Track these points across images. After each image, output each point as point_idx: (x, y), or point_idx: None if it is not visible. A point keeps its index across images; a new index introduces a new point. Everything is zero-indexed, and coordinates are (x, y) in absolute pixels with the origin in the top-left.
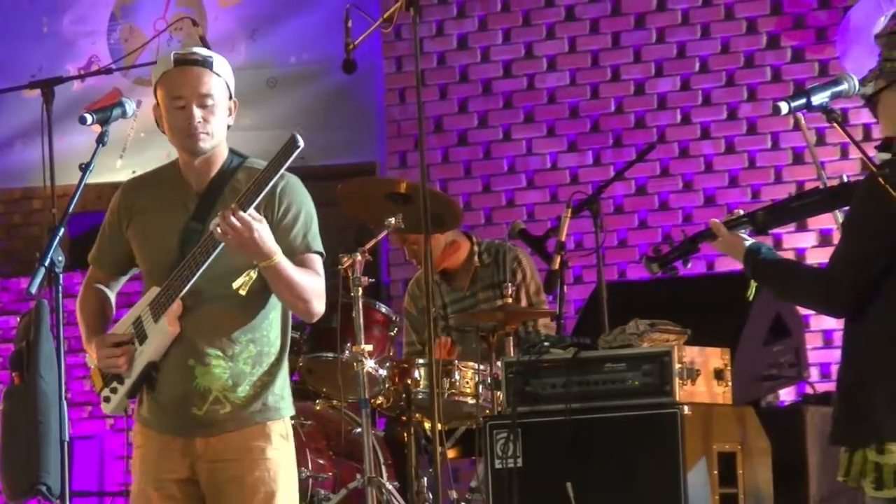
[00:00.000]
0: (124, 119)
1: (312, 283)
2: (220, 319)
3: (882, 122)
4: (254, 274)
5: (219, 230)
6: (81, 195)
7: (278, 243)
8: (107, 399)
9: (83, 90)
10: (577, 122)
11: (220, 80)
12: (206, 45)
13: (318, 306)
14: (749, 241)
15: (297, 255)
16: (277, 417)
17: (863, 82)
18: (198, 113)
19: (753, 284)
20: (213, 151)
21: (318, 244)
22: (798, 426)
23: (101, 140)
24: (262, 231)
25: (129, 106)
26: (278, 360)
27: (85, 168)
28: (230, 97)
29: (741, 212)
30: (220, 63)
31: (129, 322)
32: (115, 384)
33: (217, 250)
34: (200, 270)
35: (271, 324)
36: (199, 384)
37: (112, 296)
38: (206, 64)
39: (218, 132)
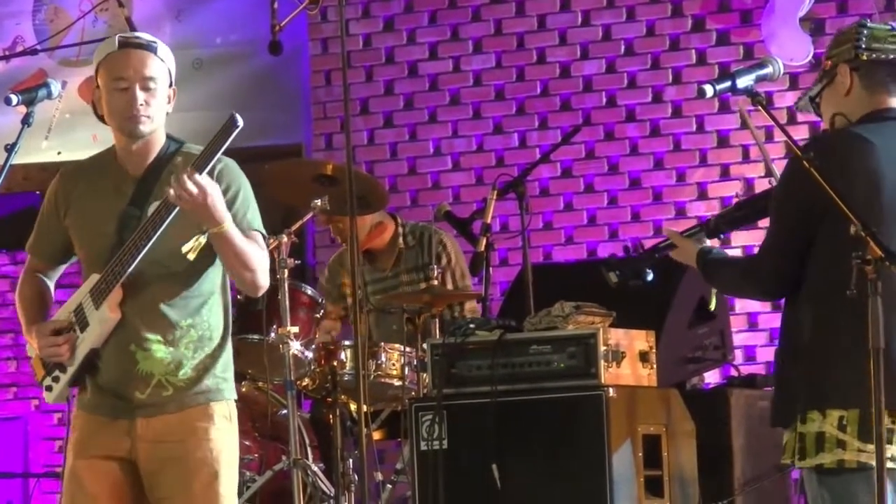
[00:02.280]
0: (50, 100)
1: (259, 255)
2: (161, 305)
3: (822, 118)
4: (203, 239)
5: (173, 193)
6: (7, 176)
7: None
8: (49, 388)
9: (8, 71)
10: (503, 105)
11: (163, 65)
12: (131, 25)
13: (264, 278)
14: (700, 246)
15: None
16: (220, 399)
17: (813, 86)
18: (140, 95)
19: (714, 294)
20: (151, 136)
21: (258, 223)
22: (723, 409)
23: (26, 121)
24: (216, 195)
25: (55, 87)
26: (221, 345)
27: (10, 149)
28: (171, 84)
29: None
30: (164, 50)
31: (69, 309)
32: (56, 373)
33: (157, 233)
34: (141, 254)
35: (211, 308)
36: (142, 369)
37: (51, 284)
38: (150, 48)
39: (158, 117)
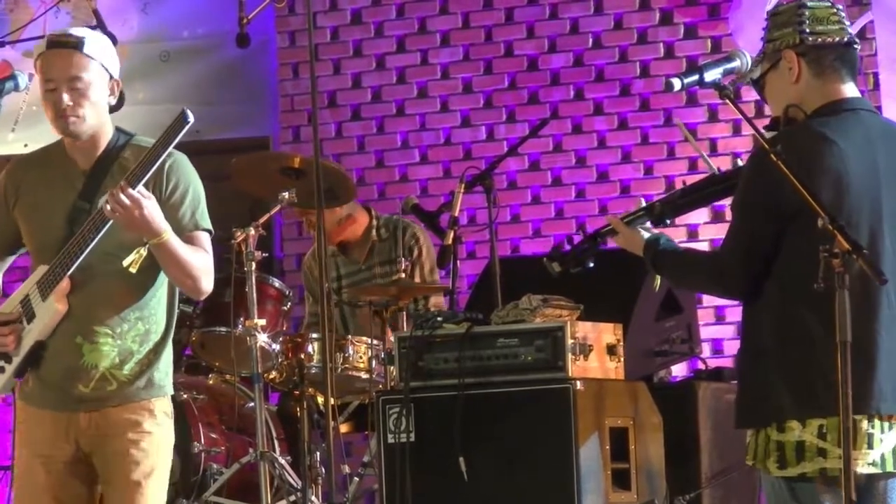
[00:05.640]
0: (17, 92)
1: (201, 261)
2: (109, 297)
3: (769, 104)
4: (144, 251)
5: (108, 207)
6: None
7: (167, 221)
8: None
9: None
10: (471, 98)
11: (92, 61)
12: (98, 18)
13: (207, 284)
14: (647, 235)
15: (185, 232)
16: (161, 395)
17: (752, 66)
18: (66, 97)
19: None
20: (96, 131)
21: (206, 222)
22: (690, 402)
23: None
24: (151, 208)
25: (22, 79)
26: (164, 339)
27: None
28: (111, 77)
29: (643, 201)
30: (94, 44)
31: (16, 301)
32: (1, 363)
33: (105, 228)
34: (89, 248)
35: (159, 301)
36: (87, 361)
37: None
38: (76, 46)
39: (91, 114)
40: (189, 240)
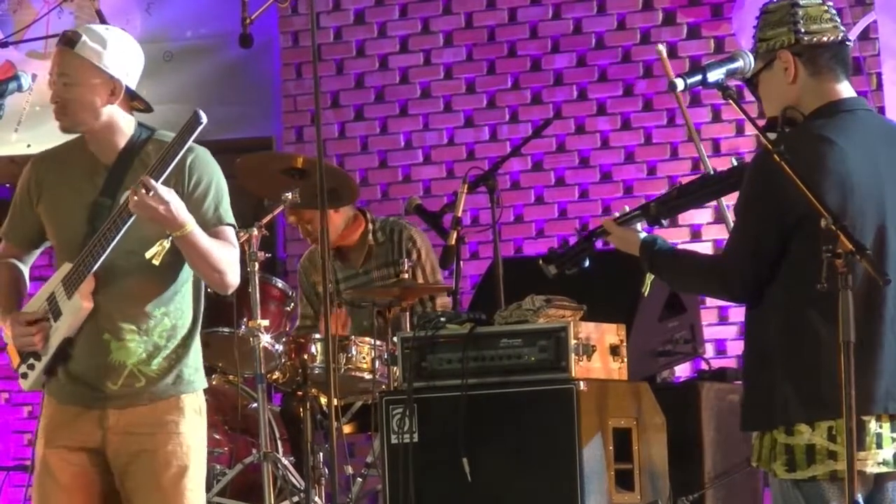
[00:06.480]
0: (20, 93)
1: (226, 254)
2: (135, 293)
3: (764, 103)
4: (167, 244)
5: (131, 203)
6: None
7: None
8: (24, 375)
9: None
10: (474, 98)
11: (80, 59)
12: (101, 18)
13: (233, 277)
14: (643, 235)
15: (209, 227)
16: (191, 391)
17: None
18: (54, 93)
19: (649, 279)
20: (102, 128)
21: (229, 216)
22: (693, 402)
23: None
24: (174, 202)
25: (25, 80)
26: (191, 333)
27: None
28: (110, 77)
29: (626, 208)
30: (88, 43)
31: (42, 298)
32: (31, 361)
33: (128, 224)
34: (112, 245)
35: (184, 296)
36: (114, 359)
37: (26, 269)
38: (67, 43)
39: (82, 112)
40: (214, 234)
